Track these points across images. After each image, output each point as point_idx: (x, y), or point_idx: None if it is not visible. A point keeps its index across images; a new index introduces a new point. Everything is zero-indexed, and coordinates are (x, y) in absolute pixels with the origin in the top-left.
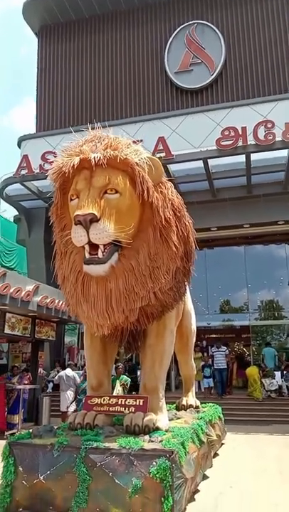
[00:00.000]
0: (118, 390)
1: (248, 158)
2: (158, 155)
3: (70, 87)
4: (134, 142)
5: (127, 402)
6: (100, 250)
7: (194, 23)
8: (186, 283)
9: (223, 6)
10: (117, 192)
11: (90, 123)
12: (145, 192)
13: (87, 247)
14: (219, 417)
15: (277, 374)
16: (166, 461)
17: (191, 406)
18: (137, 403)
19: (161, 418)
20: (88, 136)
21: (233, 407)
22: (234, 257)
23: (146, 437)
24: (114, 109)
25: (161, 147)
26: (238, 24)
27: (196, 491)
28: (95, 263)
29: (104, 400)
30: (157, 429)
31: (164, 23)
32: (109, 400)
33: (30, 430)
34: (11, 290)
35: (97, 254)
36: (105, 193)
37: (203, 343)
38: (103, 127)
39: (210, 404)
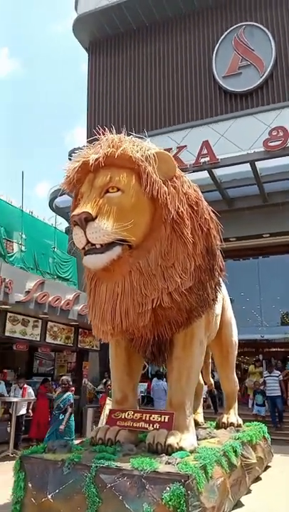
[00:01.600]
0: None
1: None
2: (202, 160)
3: (119, 98)
4: (178, 148)
5: (151, 418)
6: (98, 244)
7: (242, 25)
8: (213, 283)
9: (273, 5)
10: (119, 190)
11: (139, 132)
12: (150, 187)
13: (87, 247)
14: (264, 437)
15: None
16: (181, 486)
17: (231, 424)
18: (162, 419)
19: (187, 437)
20: (99, 141)
21: (285, 426)
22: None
23: (165, 458)
24: (162, 117)
25: (206, 151)
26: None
27: None
28: (92, 253)
29: (128, 414)
30: (181, 449)
31: (212, 27)
32: (133, 414)
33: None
34: (50, 299)
35: (95, 245)
36: (107, 192)
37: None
38: (149, 136)
39: (255, 423)
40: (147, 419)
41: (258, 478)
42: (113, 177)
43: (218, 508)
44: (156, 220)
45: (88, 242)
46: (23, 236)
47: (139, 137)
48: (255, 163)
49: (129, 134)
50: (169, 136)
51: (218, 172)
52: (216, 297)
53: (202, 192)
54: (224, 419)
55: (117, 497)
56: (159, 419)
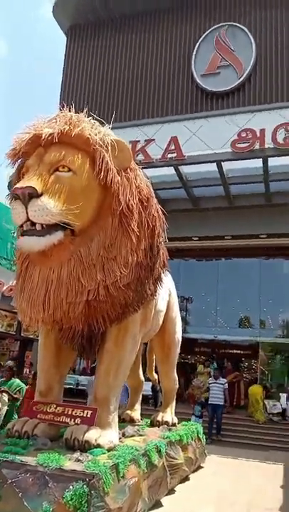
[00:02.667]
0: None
1: (265, 162)
2: (169, 155)
3: (93, 85)
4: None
5: (74, 413)
6: (38, 224)
7: (225, 24)
8: (151, 282)
9: (257, 8)
10: (70, 170)
11: (112, 123)
12: (103, 174)
13: (26, 225)
14: (198, 437)
15: (283, 396)
16: (84, 486)
17: (166, 423)
18: (84, 415)
19: (107, 434)
20: (54, 116)
21: (228, 428)
22: (250, 268)
23: (76, 455)
24: (136, 109)
25: (173, 147)
26: (271, 27)
27: None
28: (30, 234)
29: (50, 407)
30: (98, 446)
31: (195, 24)
32: (55, 408)
33: None
34: (4, 288)
35: (35, 227)
36: (56, 170)
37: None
38: (121, 127)
39: (191, 422)
40: (69, 413)
41: (186, 479)
42: (66, 156)
43: (129, 509)
44: (104, 208)
45: (28, 219)
46: None
47: (100, 122)
48: (223, 164)
49: (94, 119)
50: (140, 129)
51: (186, 170)
52: (155, 292)
53: (168, 189)
54: (159, 418)
55: (17, 494)
56: (82, 414)
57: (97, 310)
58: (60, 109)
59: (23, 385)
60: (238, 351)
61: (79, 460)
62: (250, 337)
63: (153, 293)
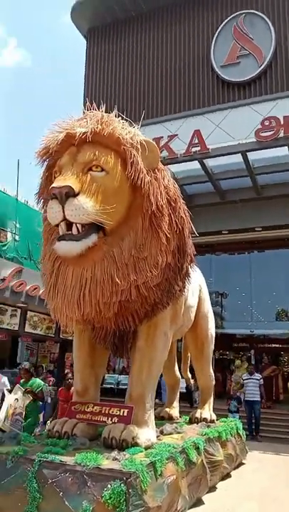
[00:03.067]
0: (18, 400)
1: None
2: (193, 149)
3: (115, 86)
4: (169, 137)
5: (111, 412)
6: (74, 227)
7: (242, 13)
8: (179, 282)
9: None
10: (103, 170)
11: (134, 121)
12: (134, 174)
13: (62, 224)
14: (238, 433)
15: None
16: (122, 484)
17: (204, 419)
18: (121, 413)
19: (144, 432)
20: (83, 116)
21: (268, 423)
22: (283, 259)
23: (114, 454)
24: (158, 106)
25: (197, 141)
26: None
27: None
28: (67, 239)
29: (88, 407)
30: (136, 444)
31: (212, 15)
32: (93, 407)
33: None
34: (27, 287)
35: (71, 231)
36: (90, 170)
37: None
38: (144, 125)
39: (230, 418)
40: (107, 412)
41: (227, 476)
42: (99, 155)
43: (169, 507)
44: (134, 208)
45: (64, 219)
46: (17, 225)
47: (129, 122)
48: (248, 154)
49: (122, 119)
50: (163, 125)
51: (211, 163)
52: (183, 288)
53: (194, 183)
54: (197, 414)
55: (58, 493)
56: (118, 413)
57: (128, 309)
58: (86, 110)
59: (44, 384)
60: (277, 345)
61: (116, 459)
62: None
63: (181, 289)
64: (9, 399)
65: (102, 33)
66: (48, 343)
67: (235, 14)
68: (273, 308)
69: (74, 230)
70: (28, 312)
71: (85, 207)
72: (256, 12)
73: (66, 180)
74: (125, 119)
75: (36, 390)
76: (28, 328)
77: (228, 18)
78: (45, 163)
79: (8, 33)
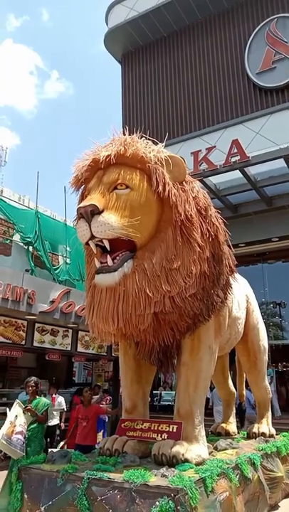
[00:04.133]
0: (17, 417)
1: None
2: (233, 159)
3: (152, 106)
4: (207, 149)
5: (160, 428)
6: (108, 258)
7: (274, 18)
8: (219, 292)
9: None
10: (128, 187)
11: (174, 137)
12: (161, 187)
13: (91, 244)
14: None
15: None
16: (170, 501)
17: (263, 434)
18: (170, 429)
19: (194, 448)
20: (109, 141)
21: None
22: None
23: (162, 470)
24: (196, 120)
25: (236, 150)
26: None
27: None
28: (104, 271)
29: (137, 424)
30: (186, 460)
31: (243, 24)
32: (142, 424)
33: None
34: (76, 308)
35: (106, 262)
36: (115, 188)
37: None
38: (183, 140)
39: None
40: (156, 428)
41: None
42: (123, 174)
43: None
44: (163, 221)
45: (92, 236)
46: (68, 249)
47: (153, 142)
48: None
49: (160, 140)
50: (202, 138)
51: (254, 171)
52: (225, 299)
53: (238, 192)
54: (255, 429)
55: (107, 510)
56: (168, 429)
57: (166, 322)
58: (114, 135)
59: (49, 403)
60: None
61: (164, 475)
62: None
63: (223, 300)
64: (9, 416)
65: (135, 56)
66: (102, 362)
67: (267, 20)
68: None
69: (109, 262)
70: (80, 332)
71: (110, 222)
72: (287, 14)
73: (91, 199)
74: (150, 139)
75: (41, 411)
76: (80, 348)
77: (260, 25)
78: (80, 190)
79: (49, 67)
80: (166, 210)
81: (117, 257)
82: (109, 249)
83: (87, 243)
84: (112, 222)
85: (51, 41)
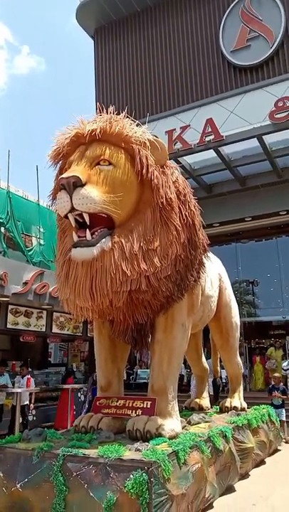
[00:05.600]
0: None
1: None
2: (207, 138)
3: (126, 82)
4: (181, 128)
5: (134, 405)
6: (87, 232)
7: None
8: (193, 273)
9: None
10: (110, 164)
11: (148, 116)
12: (143, 168)
13: (70, 217)
14: (270, 420)
15: None
16: (144, 474)
17: (235, 408)
18: (145, 406)
19: (167, 423)
20: (93, 119)
21: None
22: None
23: (136, 445)
24: (171, 98)
25: (210, 130)
26: None
27: (208, 508)
28: (82, 245)
29: (112, 401)
30: (160, 435)
31: (217, 1)
32: (117, 401)
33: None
34: (50, 289)
35: (85, 236)
36: (98, 164)
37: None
38: (157, 118)
39: (262, 406)
40: (130, 405)
41: (262, 463)
42: (106, 151)
43: (195, 494)
44: (143, 202)
45: (73, 208)
46: (41, 229)
47: (141, 117)
48: (266, 137)
49: (135, 119)
50: (176, 117)
51: (228, 150)
52: (198, 277)
53: (212, 172)
54: (227, 403)
55: (83, 485)
56: (142, 405)
57: (139, 301)
58: (97, 112)
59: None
60: None
61: (138, 450)
62: None
63: (196, 279)
64: None
65: (108, 31)
66: (77, 342)
67: None
68: None
69: (88, 236)
70: (54, 313)
71: (92, 196)
72: None
73: (74, 171)
74: (134, 120)
75: None
76: (55, 329)
77: (235, 2)
78: (58, 165)
79: (20, 41)
80: (147, 191)
81: (96, 233)
82: (88, 223)
83: (66, 216)
84: (94, 196)
85: (21, 15)
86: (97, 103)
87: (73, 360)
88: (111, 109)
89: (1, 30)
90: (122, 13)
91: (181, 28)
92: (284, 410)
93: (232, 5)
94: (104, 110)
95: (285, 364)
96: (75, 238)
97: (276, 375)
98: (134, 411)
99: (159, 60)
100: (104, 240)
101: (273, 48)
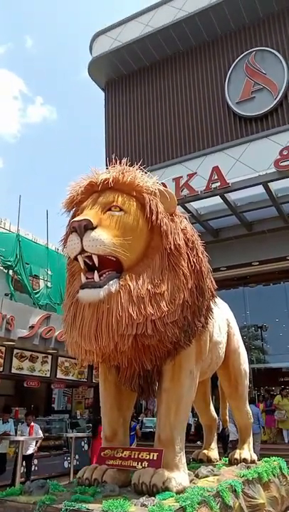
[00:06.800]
0: None
1: None
2: (213, 185)
3: (135, 133)
4: (188, 176)
5: (140, 456)
6: (95, 274)
7: (252, 51)
8: (198, 320)
9: (282, 28)
10: (122, 210)
11: (155, 163)
12: (154, 215)
13: (80, 259)
14: (282, 473)
15: None
16: None
17: (244, 460)
18: (151, 457)
19: (175, 476)
20: (108, 169)
21: None
22: None
23: (142, 500)
24: (178, 147)
25: (216, 177)
26: None
27: None
28: (90, 286)
29: (117, 452)
30: (167, 489)
31: (223, 56)
32: (122, 452)
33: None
34: (56, 333)
35: (93, 278)
36: (109, 210)
37: None
38: (165, 166)
39: (273, 458)
40: (136, 457)
41: None
42: (118, 198)
43: None
44: (152, 248)
45: (83, 250)
46: (49, 272)
47: (148, 172)
48: (272, 184)
49: (144, 167)
50: (183, 164)
51: (234, 196)
52: (206, 323)
53: (219, 217)
54: (236, 455)
55: None
56: (148, 457)
57: (145, 346)
58: (108, 163)
59: None
60: None
61: (144, 505)
62: None
63: (204, 325)
64: None
65: (119, 84)
66: (82, 389)
67: (245, 53)
68: None
69: (95, 277)
70: (59, 358)
71: (102, 238)
72: (266, 48)
73: (86, 215)
74: (145, 172)
75: None
76: (59, 374)
77: (239, 57)
78: (71, 212)
79: (34, 92)
80: (156, 238)
81: (104, 275)
82: (97, 265)
83: (75, 258)
84: (104, 238)
85: (35, 67)
86: (109, 155)
87: (77, 407)
88: (124, 160)
89: (16, 81)
90: (132, 67)
91: (189, 81)
92: None
93: (237, 60)
94: (117, 161)
95: None
96: (83, 279)
97: None
98: (140, 463)
99: (167, 111)
100: (111, 282)
101: (277, 99)
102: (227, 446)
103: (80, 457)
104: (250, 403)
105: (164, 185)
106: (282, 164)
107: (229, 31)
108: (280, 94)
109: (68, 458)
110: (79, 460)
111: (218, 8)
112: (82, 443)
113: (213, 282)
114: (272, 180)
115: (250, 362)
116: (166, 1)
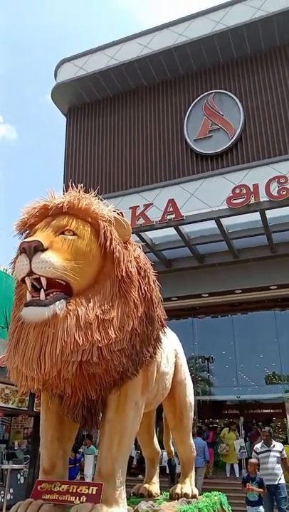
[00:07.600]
0: None
1: (263, 215)
2: (168, 217)
3: (95, 161)
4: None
5: (79, 490)
6: (42, 292)
7: (212, 92)
8: (149, 348)
9: (240, 74)
10: (75, 234)
11: (113, 192)
12: (108, 241)
13: (28, 280)
14: (222, 509)
15: None
16: None
17: (185, 495)
18: (90, 491)
19: (114, 511)
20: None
21: None
22: (265, 321)
23: None
24: (136, 177)
25: (172, 209)
26: (255, 89)
27: None
28: (34, 304)
29: (55, 486)
30: None
31: (183, 95)
32: (60, 486)
33: None
34: None
35: (39, 297)
36: (62, 233)
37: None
38: (123, 195)
39: (214, 492)
40: (74, 491)
41: None
42: (72, 222)
43: None
44: (103, 274)
45: (31, 272)
46: None
47: (105, 199)
48: (223, 220)
49: (101, 194)
50: (140, 195)
51: (188, 229)
52: (154, 353)
53: (172, 248)
54: (178, 490)
55: None
56: (87, 491)
57: (90, 374)
58: (66, 188)
59: None
60: (268, 410)
61: None
62: (282, 394)
63: (152, 355)
64: None
65: (81, 111)
66: (22, 418)
67: (205, 94)
68: (262, 371)
69: (42, 296)
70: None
71: (52, 261)
72: (224, 91)
73: (36, 236)
74: (101, 199)
75: None
76: None
77: (200, 97)
78: (23, 235)
79: None
80: (108, 264)
81: (51, 294)
82: (45, 288)
83: (23, 280)
84: (54, 261)
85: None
86: (67, 180)
87: (15, 437)
88: (80, 186)
89: None
90: (95, 96)
91: (150, 115)
92: (262, 508)
93: (197, 99)
94: (74, 187)
95: (258, 446)
96: (28, 298)
97: (252, 461)
98: (78, 497)
99: (128, 141)
100: (58, 302)
101: (232, 140)
102: (175, 477)
103: (14, 491)
104: (194, 436)
105: (120, 213)
106: (234, 202)
107: (191, 72)
108: (236, 135)
109: (2, 492)
110: (13, 494)
111: (181, 49)
112: (19, 475)
113: (164, 312)
114: (224, 216)
115: (196, 394)
116: (134, 37)
